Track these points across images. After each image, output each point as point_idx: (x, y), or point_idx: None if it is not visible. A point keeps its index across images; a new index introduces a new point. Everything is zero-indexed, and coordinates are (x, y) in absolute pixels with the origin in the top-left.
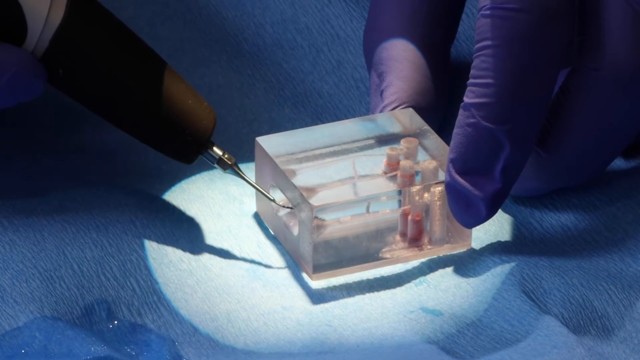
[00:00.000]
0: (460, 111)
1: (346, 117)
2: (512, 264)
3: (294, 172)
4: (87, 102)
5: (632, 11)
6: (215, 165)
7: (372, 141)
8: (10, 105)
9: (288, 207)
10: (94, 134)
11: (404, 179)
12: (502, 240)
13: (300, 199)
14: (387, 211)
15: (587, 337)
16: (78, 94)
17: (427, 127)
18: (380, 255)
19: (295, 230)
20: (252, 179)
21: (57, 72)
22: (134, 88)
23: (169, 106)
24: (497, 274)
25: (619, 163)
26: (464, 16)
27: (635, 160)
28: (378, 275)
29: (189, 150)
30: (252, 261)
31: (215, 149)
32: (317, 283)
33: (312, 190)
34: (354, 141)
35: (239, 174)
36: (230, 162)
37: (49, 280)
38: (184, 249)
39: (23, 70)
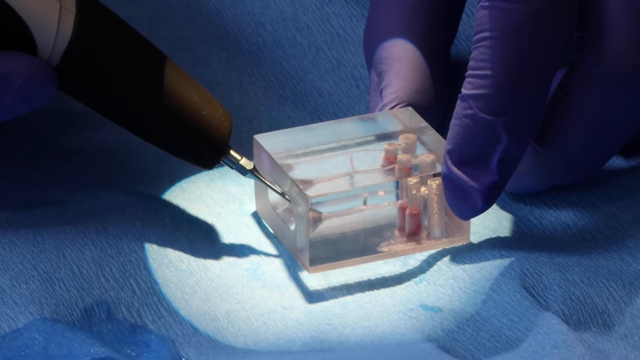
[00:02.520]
0: (458, 102)
1: (346, 116)
2: (512, 258)
3: (291, 167)
4: (104, 112)
5: (632, 9)
6: (234, 169)
7: (371, 139)
8: (23, 113)
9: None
10: (93, 135)
11: (402, 172)
12: (502, 236)
13: (296, 191)
14: (385, 204)
15: (588, 334)
16: (94, 105)
17: (425, 124)
18: (378, 249)
19: (293, 225)
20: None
21: (70, 86)
22: (150, 97)
23: (187, 112)
24: (495, 266)
25: (619, 162)
26: (464, 16)
27: (635, 159)
28: (378, 274)
29: (208, 156)
30: (251, 261)
31: (233, 153)
32: (317, 283)
33: (308, 182)
34: (353, 139)
35: (259, 178)
36: (248, 168)
37: (49, 282)
38: (183, 249)
39: (34, 78)
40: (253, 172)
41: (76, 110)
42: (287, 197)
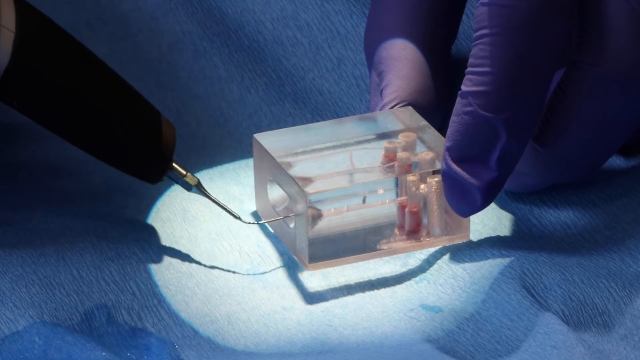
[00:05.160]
0: (458, 99)
1: (346, 115)
2: (512, 258)
3: (290, 165)
4: (46, 126)
5: (631, 9)
6: (179, 184)
7: (371, 137)
8: None
9: (256, 223)
10: None
11: (401, 169)
12: (501, 235)
13: (295, 188)
14: (386, 201)
15: (588, 334)
16: (37, 119)
17: (425, 123)
18: (377, 247)
19: (293, 224)
20: (250, 177)
21: (12, 102)
22: (91, 112)
23: (130, 126)
24: (495, 265)
25: (618, 162)
26: (464, 16)
27: (635, 159)
28: (379, 274)
29: (152, 171)
30: (252, 262)
31: (177, 167)
32: (317, 283)
33: (308, 180)
34: (353, 138)
35: (204, 193)
36: (192, 183)
37: (49, 286)
38: (183, 250)
39: None
40: (198, 188)
41: None
42: (234, 214)
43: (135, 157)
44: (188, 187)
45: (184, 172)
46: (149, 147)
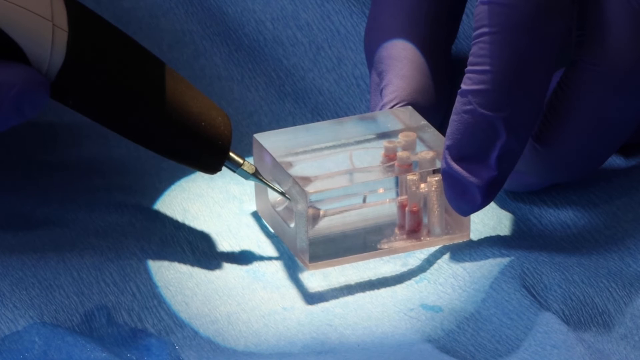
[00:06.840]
0: (458, 98)
1: (346, 114)
2: (512, 257)
3: (291, 165)
4: (103, 123)
5: (631, 8)
6: (236, 172)
7: (371, 137)
8: (17, 123)
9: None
10: (92, 135)
11: (401, 169)
12: (501, 234)
13: (296, 188)
14: (386, 201)
15: (588, 334)
16: (94, 117)
17: (425, 122)
18: (378, 247)
19: (293, 224)
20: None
21: (68, 100)
22: (149, 107)
23: (187, 119)
24: (495, 265)
25: (619, 162)
26: (464, 16)
27: (635, 159)
28: (379, 274)
29: (210, 161)
30: (252, 262)
31: (234, 157)
32: (317, 283)
33: (308, 179)
34: (353, 137)
35: (261, 180)
36: (250, 171)
37: (49, 288)
38: (183, 251)
39: (28, 87)
40: (255, 176)
41: (75, 115)
42: (288, 196)
43: (194, 150)
44: (245, 175)
45: (241, 160)
46: (207, 139)
